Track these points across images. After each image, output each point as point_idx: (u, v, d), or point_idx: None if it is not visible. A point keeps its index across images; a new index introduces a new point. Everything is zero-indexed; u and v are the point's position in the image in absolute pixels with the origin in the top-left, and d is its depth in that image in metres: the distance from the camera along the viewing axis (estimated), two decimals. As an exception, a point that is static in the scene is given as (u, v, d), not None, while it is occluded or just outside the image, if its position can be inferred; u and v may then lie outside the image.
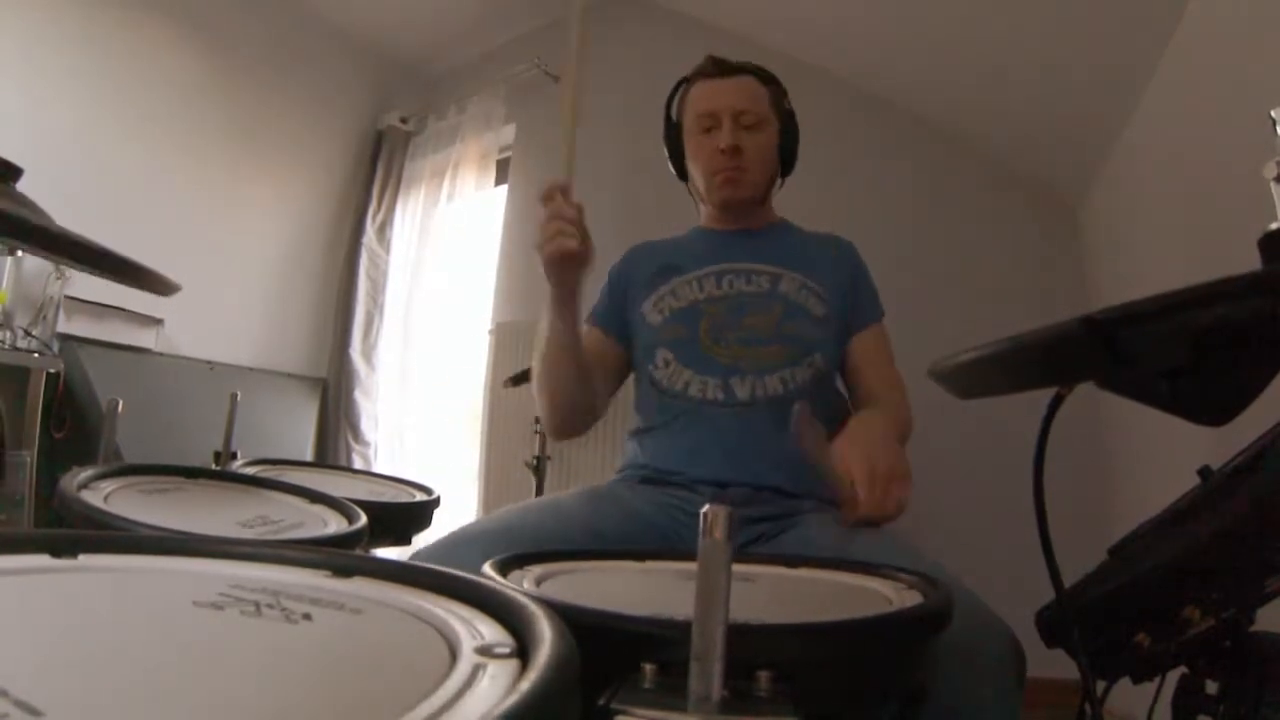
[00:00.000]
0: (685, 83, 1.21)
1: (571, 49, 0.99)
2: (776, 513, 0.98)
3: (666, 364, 1.09)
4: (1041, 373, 0.56)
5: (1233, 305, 0.42)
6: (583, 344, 1.06)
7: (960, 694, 0.63)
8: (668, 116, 1.24)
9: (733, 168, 1.13)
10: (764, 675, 0.41)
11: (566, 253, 0.91)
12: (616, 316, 1.18)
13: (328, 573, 0.43)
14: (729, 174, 1.13)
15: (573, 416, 1.10)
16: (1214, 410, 0.51)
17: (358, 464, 3.01)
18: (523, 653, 0.31)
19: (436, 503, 1.20)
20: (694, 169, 1.19)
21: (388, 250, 3.31)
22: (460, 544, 0.81)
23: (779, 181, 1.23)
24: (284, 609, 0.36)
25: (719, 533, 0.36)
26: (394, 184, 3.37)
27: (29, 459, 2.11)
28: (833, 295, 1.12)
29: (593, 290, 1.19)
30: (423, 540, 1.19)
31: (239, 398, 1.11)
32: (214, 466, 1.09)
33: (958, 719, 0.62)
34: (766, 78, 1.19)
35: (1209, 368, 0.47)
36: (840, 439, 0.85)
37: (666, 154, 1.25)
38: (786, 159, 1.21)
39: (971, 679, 0.64)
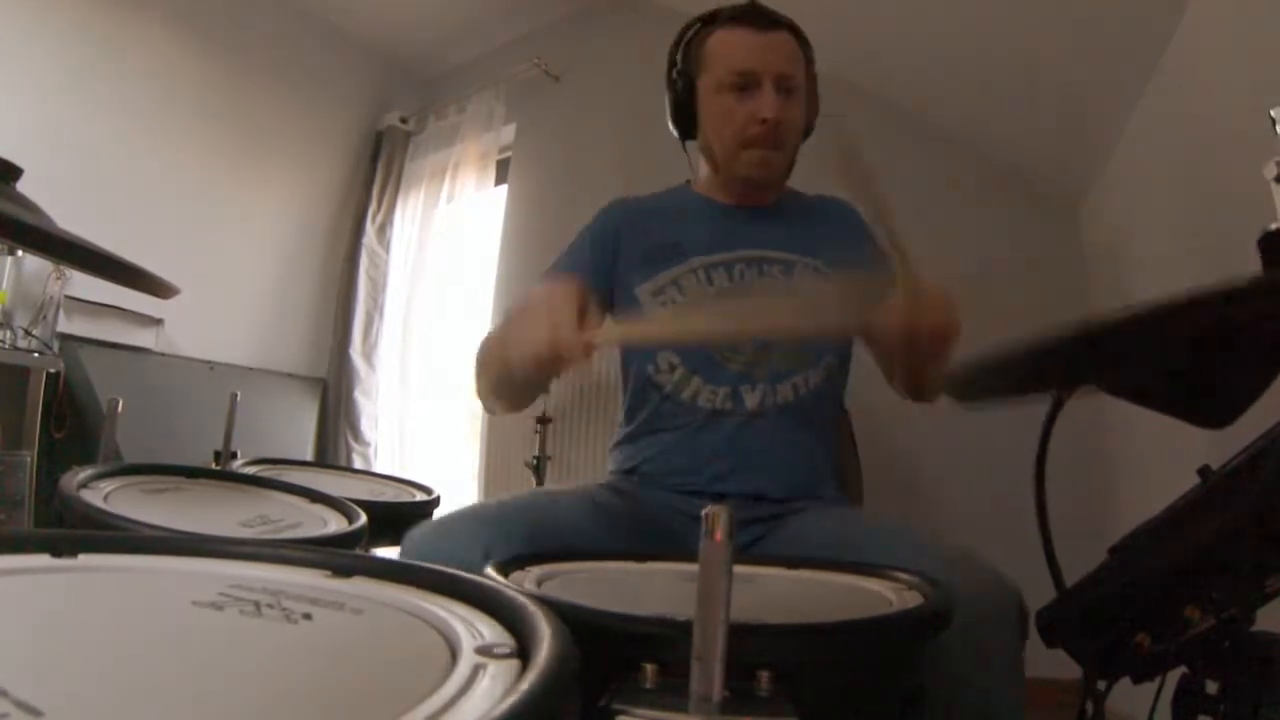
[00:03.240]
0: (704, 24, 1.06)
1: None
2: (770, 514, 0.96)
3: (672, 368, 1.00)
4: (1041, 379, 0.55)
5: (1233, 307, 0.42)
6: None
7: (963, 648, 0.64)
8: (673, 60, 1.08)
9: (771, 145, 1.00)
10: (764, 675, 0.41)
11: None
12: (603, 274, 1.05)
13: (328, 572, 0.43)
14: (765, 152, 1.01)
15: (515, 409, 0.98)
16: (1214, 413, 0.51)
17: (358, 464, 3.00)
18: (523, 653, 0.31)
19: (436, 502, 1.20)
20: (715, 134, 1.04)
21: (388, 250, 3.31)
22: (454, 527, 0.79)
23: None
24: (284, 609, 0.36)
25: (719, 533, 0.36)
26: (394, 184, 3.36)
27: (29, 459, 2.11)
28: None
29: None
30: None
31: (239, 398, 1.11)
32: (214, 466, 1.09)
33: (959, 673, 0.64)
34: (802, 37, 1.06)
35: (1209, 370, 0.47)
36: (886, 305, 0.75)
37: (668, 104, 1.08)
38: (806, 128, 1.10)
39: (974, 634, 0.65)
